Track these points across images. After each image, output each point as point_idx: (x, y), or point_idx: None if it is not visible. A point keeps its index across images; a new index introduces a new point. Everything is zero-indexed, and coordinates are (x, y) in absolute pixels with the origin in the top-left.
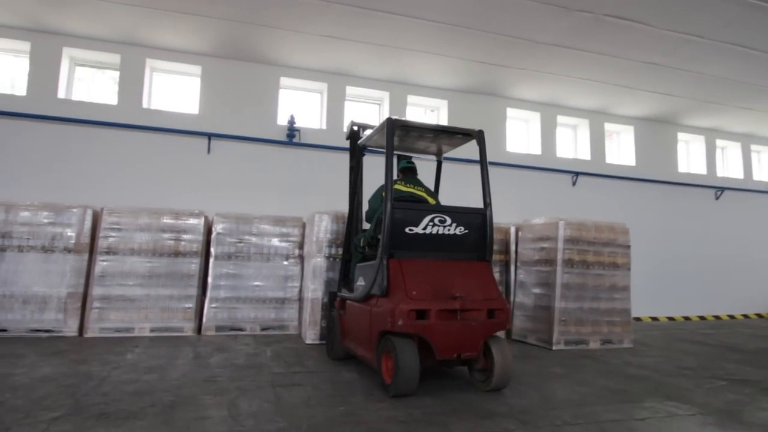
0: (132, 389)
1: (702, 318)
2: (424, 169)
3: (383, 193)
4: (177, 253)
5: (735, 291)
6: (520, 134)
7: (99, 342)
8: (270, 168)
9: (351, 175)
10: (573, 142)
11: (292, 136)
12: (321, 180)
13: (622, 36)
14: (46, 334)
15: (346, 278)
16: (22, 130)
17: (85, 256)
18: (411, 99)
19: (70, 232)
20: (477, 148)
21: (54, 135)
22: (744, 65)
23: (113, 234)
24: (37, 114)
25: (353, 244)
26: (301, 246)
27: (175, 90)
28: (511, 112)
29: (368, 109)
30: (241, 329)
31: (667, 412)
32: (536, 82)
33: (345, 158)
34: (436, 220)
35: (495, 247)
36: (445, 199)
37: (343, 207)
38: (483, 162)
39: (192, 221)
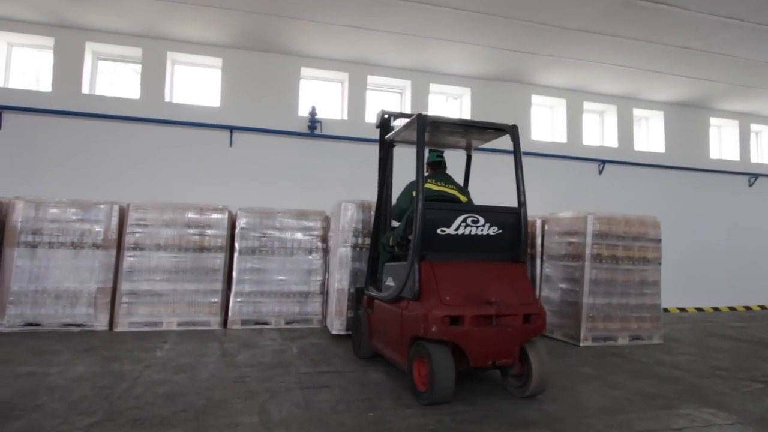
0: (163, 391)
1: (732, 309)
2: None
3: (412, 193)
4: (202, 248)
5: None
6: (544, 122)
7: (129, 336)
8: (292, 160)
9: (380, 167)
10: (600, 129)
11: (313, 128)
12: (343, 172)
13: (655, 20)
14: (78, 329)
15: (373, 276)
16: (49, 125)
17: (113, 252)
18: (433, 87)
19: (98, 228)
20: (507, 139)
21: (79, 130)
22: None
23: (139, 230)
24: (63, 110)
25: (381, 243)
26: (323, 239)
27: (196, 83)
28: (536, 99)
29: (390, 98)
30: (266, 323)
31: (704, 421)
32: (563, 68)
33: (367, 149)
34: (469, 221)
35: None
36: (470, 190)
37: (368, 197)
38: (517, 158)
39: (216, 216)
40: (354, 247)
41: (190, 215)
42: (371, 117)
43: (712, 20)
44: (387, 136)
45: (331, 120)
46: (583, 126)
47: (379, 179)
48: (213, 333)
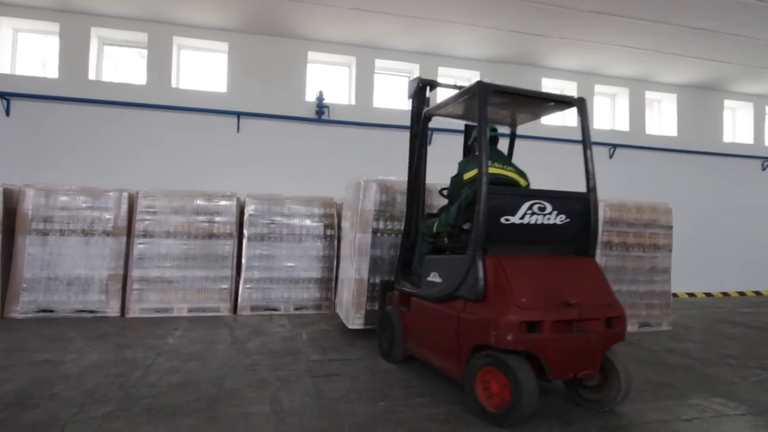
0: (176, 380)
1: (741, 294)
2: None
3: (465, 175)
4: (211, 235)
5: None
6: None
7: (140, 323)
8: (299, 146)
9: (413, 145)
10: (611, 113)
11: (321, 113)
12: (351, 157)
13: (670, 1)
14: (91, 315)
15: (406, 269)
16: (56, 112)
17: (123, 239)
18: (442, 71)
19: (108, 216)
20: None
21: (86, 117)
22: None
23: (148, 217)
24: (70, 96)
25: (420, 231)
26: (331, 226)
27: (202, 68)
28: (546, 83)
29: (398, 83)
30: (275, 309)
31: (714, 411)
32: (574, 50)
33: (375, 134)
34: (536, 207)
35: None
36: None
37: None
38: (585, 136)
39: (224, 203)
40: (375, 232)
41: (199, 202)
42: (379, 102)
43: (727, 0)
44: (428, 109)
45: (338, 105)
46: (594, 109)
47: (411, 158)
48: (223, 319)
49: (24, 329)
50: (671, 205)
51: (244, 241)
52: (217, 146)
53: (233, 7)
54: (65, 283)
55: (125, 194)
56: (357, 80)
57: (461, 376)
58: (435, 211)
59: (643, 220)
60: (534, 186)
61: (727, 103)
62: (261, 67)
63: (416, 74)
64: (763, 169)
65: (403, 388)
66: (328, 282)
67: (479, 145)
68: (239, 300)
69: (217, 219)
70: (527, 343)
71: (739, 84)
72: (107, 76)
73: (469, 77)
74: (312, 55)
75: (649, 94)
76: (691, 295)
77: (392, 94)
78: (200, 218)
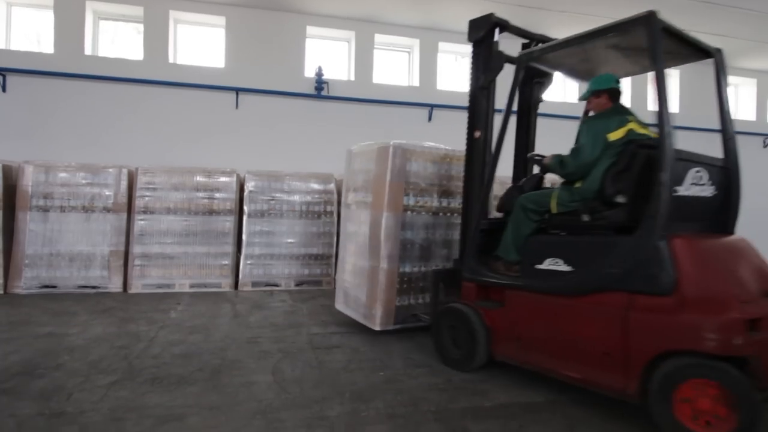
0: (179, 351)
1: None
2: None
3: (608, 136)
4: (211, 212)
5: None
6: (556, 81)
7: (143, 298)
8: (299, 122)
9: (476, 102)
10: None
11: (320, 89)
12: (351, 133)
13: None
14: (93, 291)
15: (480, 254)
16: (53, 88)
17: (124, 216)
18: (442, 46)
19: (108, 192)
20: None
21: (83, 92)
22: None
23: (148, 194)
24: (66, 72)
25: (520, 207)
26: (331, 202)
27: (200, 43)
28: None
29: (398, 58)
30: (276, 285)
31: None
32: (576, 23)
33: (375, 110)
34: (698, 176)
35: None
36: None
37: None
38: (722, 94)
39: (224, 179)
40: (408, 210)
41: (199, 179)
42: (379, 77)
43: None
44: (526, 52)
45: (338, 81)
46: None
47: (472, 119)
48: (224, 295)
49: (28, 304)
50: None
51: (245, 218)
52: (215, 122)
53: None
54: (67, 259)
55: (125, 170)
56: (356, 55)
57: (633, 392)
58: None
59: None
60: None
61: (730, 79)
62: (259, 42)
63: (416, 49)
64: (765, 146)
65: (403, 359)
66: (328, 258)
67: (656, 92)
68: (240, 276)
69: (217, 195)
70: (752, 346)
71: (743, 59)
72: (104, 52)
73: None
74: (311, 29)
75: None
76: None
77: (392, 70)
78: (200, 195)
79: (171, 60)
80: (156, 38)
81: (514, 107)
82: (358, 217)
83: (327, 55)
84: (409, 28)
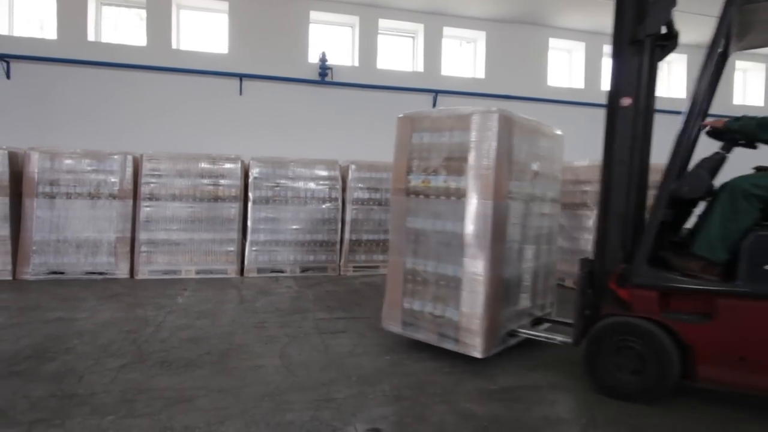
0: (187, 336)
1: None
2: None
3: None
4: (216, 198)
5: None
6: (562, 67)
7: (149, 284)
8: (303, 108)
9: (625, 60)
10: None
11: (324, 75)
12: (355, 119)
13: None
14: (100, 277)
15: (682, 255)
16: (56, 74)
17: (130, 202)
18: (447, 31)
19: (113, 179)
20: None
21: (86, 79)
22: None
23: (154, 180)
24: (70, 58)
25: (738, 191)
26: (336, 188)
27: (203, 29)
28: (554, 43)
29: (402, 43)
30: (281, 271)
31: None
32: (583, 7)
33: (379, 96)
34: None
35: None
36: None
37: (383, 149)
38: None
39: (229, 166)
40: (514, 199)
41: (203, 165)
42: (383, 63)
43: None
44: None
45: (341, 66)
46: (602, 71)
47: (616, 83)
48: (230, 281)
49: (36, 290)
50: None
51: (250, 204)
52: (219, 109)
53: None
54: (74, 246)
55: (129, 157)
56: (360, 41)
57: None
58: None
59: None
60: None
61: (739, 64)
62: (262, 27)
63: (421, 34)
64: None
65: (408, 345)
66: (333, 245)
67: None
68: (246, 262)
69: (222, 182)
70: None
71: None
72: (107, 38)
73: (475, 38)
74: (314, 14)
75: None
76: None
77: (396, 55)
78: (205, 181)
79: (174, 46)
80: (159, 24)
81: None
82: (434, 208)
83: (331, 40)
84: (414, 13)
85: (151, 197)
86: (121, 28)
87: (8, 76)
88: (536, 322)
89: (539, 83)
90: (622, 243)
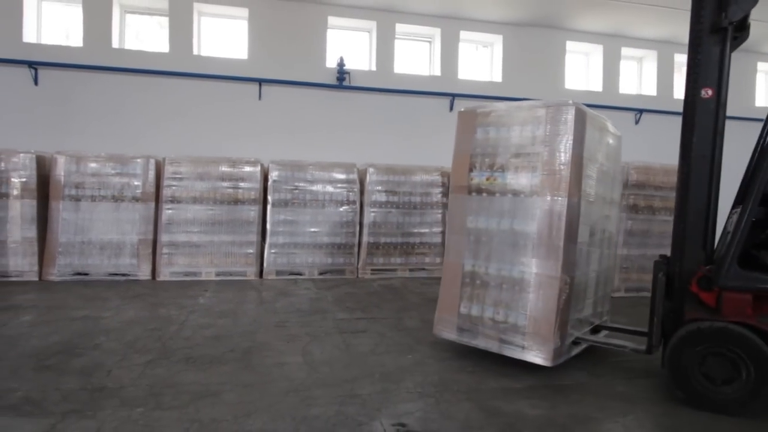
0: (210, 334)
1: None
2: None
3: None
4: (236, 201)
5: None
6: (579, 70)
7: (171, 285)
8: (321, 112)
9: (706, 50)
10: (637, 77)
11: (342, 79)
12: (372, 123)
13: None
14: (123, 278)
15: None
16: (82, 80)
17: (152, 205)
18: (463, 35)
19: (136, 182)
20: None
21: (111, 84)
22: None
23: (175, 183)
24: (95, 65)
25: None
26: (353, 191)
27: (223, 35)
28: (571, 46)
29: (418, 48)
30: (299, 273)
31: None
32: (600, 10)
33: (396, 100)
34: None
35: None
36: None
37: (400, 152)
38: None
39: (248, 169)
40: (584, 198)
41: (224, 168)
42: (400, 67)
43: None
44: None
45: (359, 71)
46: (620, 74)
47: (695, 74)
48: (250, 283)
49: (62, 290)
50: None
51: (269, 207)
52: (239, 113)
53: None
54: (98, 247)
55: (152, 161)
56: (378, 45)
57: None
58: None
59: (670, 184)
60: None
61: (761, 65)
62: (281, 33)
63: (437, 39)
64: None
65: (430, 344)
66: (351, 248)
67: None
68: (265, 264)
69: (242, 185)
70: None
71: None
72: (129, 45)
73: (491, 41)
74: (332, 20)
75: (679, 57)
76: None
77: (412, 60)
78: (225, 184)
79: (195, 52)
80: (181, 30)
81: None
82: (500, 206)
83: (348, 45)
84: (430, 17)
85: (173, 200)
86: (142, 36)
87: (36, 83)
88: (594, 330)
89: (557, 86)
90: (703, 243)
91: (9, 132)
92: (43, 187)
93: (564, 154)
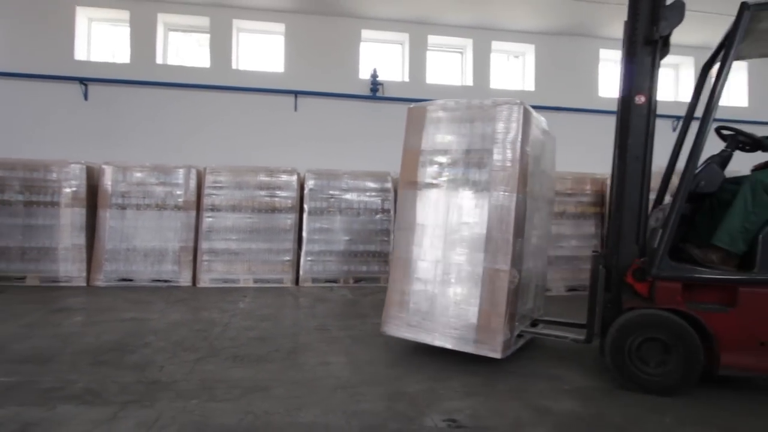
0: (254, 335)
1: None
2: None
3: None
4: (273, 209)
5: None
6: (614, 77)
7: (211, 291)
8: (355, 122)
9: (640, 59)
10: (674, 84)
11: (375, 90)
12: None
13: None
14: (165, 284)
15: (702, 246)
16: (128, 95)
17: (193, 213)
18: (495, 45)
19: (179, 191)
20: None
21: (155, 98)
22: None
23: (215, 192)
24: (140, 80)
25: (758, 185)
26: (388, 200)
27: (261, 50)
28: (604, 54)
29: (450, 59)
30: (335, 281)
31: None
32: None
33: None
34: None
35: (589, 199)
36: None
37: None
38: None
39: (285, 178)
40: (528, 194)
41: (262, 177)
42: (432, 78)
43: None
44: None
45: (392, 82)
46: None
47: (629, 81)
48: (287, 289)
49: (109, 294)
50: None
51: (305, 215)
52: (276, 124)
53: None
54: (142, 254)
55: (193, 170)
56: (410, 57)
57: None
58: None
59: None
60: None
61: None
62: (316, 46)
63: (469, 49)
64: None
65: None
66: (386, 256)
67: None
68: (301, 272)
69: (279, 193)
70: None
71: None
72: (172, 61)
73: (523, 51)
74: (366, 33)
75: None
76: None
77: (445, 71)
78: (263, 193)
79: (234, 66)
80: (221, 46)
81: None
82: (450, 201)
83: (381, 57)
84: (462, 29)
85: (213, 208)
86: (182, 53)
87: (86, 98)
88: (533, 324)
89: (590, 94)
90: (636, 238)
91: (61, 144)
92: (92, 196)
93: (512, 151)
